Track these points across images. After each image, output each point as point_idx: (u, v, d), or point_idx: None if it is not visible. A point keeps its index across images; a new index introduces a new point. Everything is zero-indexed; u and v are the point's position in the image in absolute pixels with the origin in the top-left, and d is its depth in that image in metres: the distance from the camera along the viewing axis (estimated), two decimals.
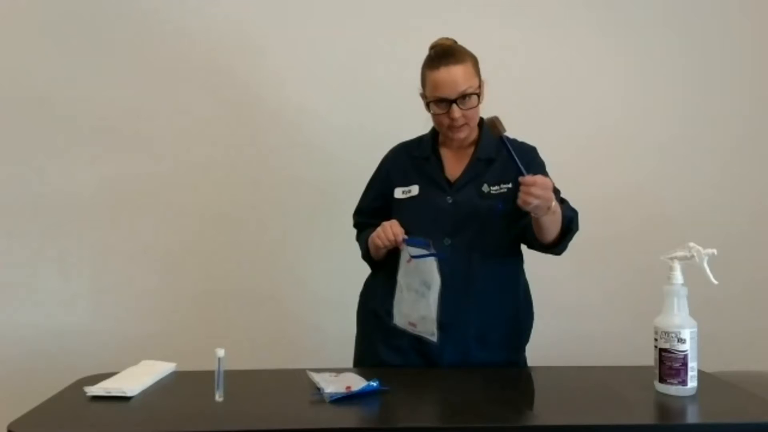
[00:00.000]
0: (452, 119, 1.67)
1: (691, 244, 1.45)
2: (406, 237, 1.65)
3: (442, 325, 1.63)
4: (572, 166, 2.39)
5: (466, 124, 1.69)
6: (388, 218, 1.72)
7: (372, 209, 1.86)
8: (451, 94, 1.65)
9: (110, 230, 2.42)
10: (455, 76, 1.64)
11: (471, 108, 1.68)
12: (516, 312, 1.75)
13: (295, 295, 2.45)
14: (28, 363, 2.38)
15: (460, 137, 1.72)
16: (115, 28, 2.40)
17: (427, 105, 1.72)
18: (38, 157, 2.40)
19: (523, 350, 1.80)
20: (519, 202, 1.52)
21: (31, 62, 2.39)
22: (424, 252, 1.61)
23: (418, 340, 1.66)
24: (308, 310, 2.45)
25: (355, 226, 1.93)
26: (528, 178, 1.51)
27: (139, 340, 2.35)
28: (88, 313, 2.41)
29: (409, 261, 1.66)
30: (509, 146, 1.56)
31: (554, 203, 1.55)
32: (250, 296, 2.44)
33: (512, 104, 2.37)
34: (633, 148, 2.47)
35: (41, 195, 2.40)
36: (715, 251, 1.44)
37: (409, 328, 1.68)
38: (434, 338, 1.63)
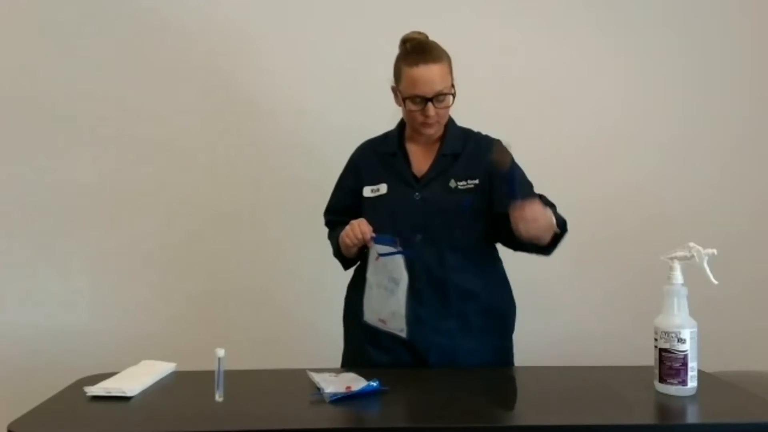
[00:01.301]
0: (426, 116, 1.70)
1: (691, 244, 1.45)
2: (373, 235, 1.68)
3: (422, 319, 1.67)
4: (572, 166, 2.40)
5: (438, 121, 1.73)
6: (358, 216, 1.75)
7: (343, 207, 1.88)
8: (428, 93, 1.68)
9: (110, 230, 2.42)
10: (433, 75, 1.67)
11: (445, 107, 1.71)
12: (495, 299, 1.77)
13: (295, 295, 2.45)
14: (28, 363, 2.37)
15: (429, 133, 1.75)
16: (115, 28, 2.40)
17: (400, 98, 1.74)
18: (38, 157, 2.40)
19: (510, 338, 1.81)
20: (521, 234, 1.53)
21: (31, 62, 2.39)
22: (392, 249, 1.65)
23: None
24: (308, 310, 2.45)
25: (327, 224, 1.95)
26: (518, 213, 1.51)
27: (139, 340, 2.35)
28: (88, 313, 2.41)
29: (377, 259, 1.69)
30: (515, 181, 1.59)
31: (549, 213, 1.57)
32: (250, 296, 2.44)
33: (512, 104, 2.39)
34: (633, 148, 2.46)
35: (41, 195, 2.40)
36: (715, 251, 1.44)
37: (379, 325, 1.70)
38: (403, 334, 1.66)
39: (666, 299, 1.43)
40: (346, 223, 1.75)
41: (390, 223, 1.73)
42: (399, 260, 1.64)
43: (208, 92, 2.43)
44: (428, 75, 1.67)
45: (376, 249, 1.69)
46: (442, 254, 1.71)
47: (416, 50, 1.71)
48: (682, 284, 1.43)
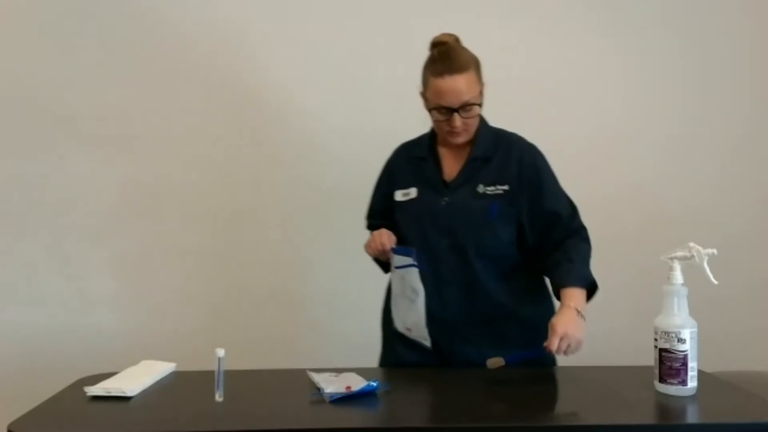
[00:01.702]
0: (452, 127, 1.67)
1: (691, 244, 1.45)
2: (393, 246, 1.69)
3: (449, 324, 1.67)
4: (572, 166, 2.38)
5: (466, 130, 1.70)
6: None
7: (381, 210, 1.87)
8: (454, 104, 1.64)
9: (110, 231, 2.42)
10: (459, 86, 1.63)
11: (472, 117, 1.68)
12: (526, 309, 1.71)
13: (295, 295, 2.45)
14: (28, 363, 2.37)
15: (458, 142, 1.72)
16: (115, 27, 2.40)
17: (428, 111, 1.72)
18: (38, 156, 2.40)
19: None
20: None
21: (31, 62, 2.39)
22: (408, 262, 1.65)
23: (432, 339, 1.69)
24: (309, 310, 2.45)
25: (368, 228, 1.92)
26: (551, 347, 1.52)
27: (139, 340, 2.35)
28: (88, 313, 2.41)
29: (393, 271, 1.71)
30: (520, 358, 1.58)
31: (581, 308, 1.60)
32: (250, 296, 2.44)
33: (512, 104, 2.38)
34: (633, 148, 2.46)
35: (41, 195, 2.40)
36: (715, 251, 1.44)
37: (407, 333, 1.72)
38: (427, 343, 1.67)
39: (666, 299, 1.43)
40: (386, 226, 1.77)
41: (417, 227, 1.72)
42: (415, 272, 1.64)
43: (208, 93, 2.42)
44: (453, 86, 1.63)
45: (394, 260, 1.69)
46: (468, 260, 1.68)
47: (442, 58, 1.66)
48: (682, 284, 1.43)
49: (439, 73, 1.64)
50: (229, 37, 2.41)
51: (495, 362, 1.52)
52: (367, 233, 1.87)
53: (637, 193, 2.45)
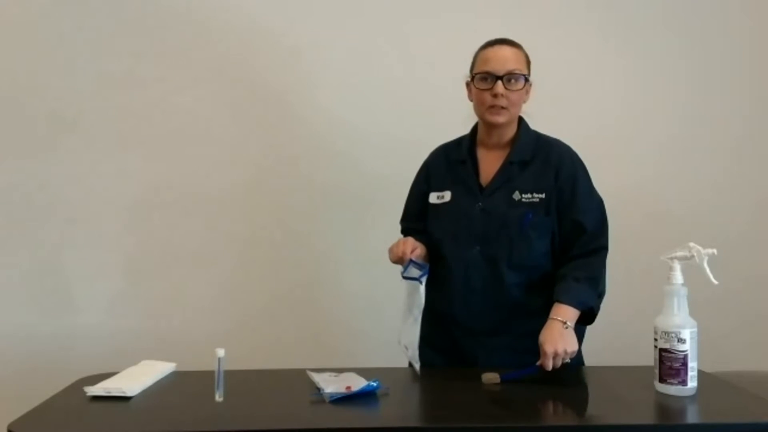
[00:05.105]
0: (494, 96, 1.64)
1: (691, 244, 1.45)
2: (411, 257, 1.63)
3: (475, 333, 1.66)
4: None
5: (506, 108, 1.66)
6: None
7: (415, 212, 1.84)
8: (499, 70, 1.64)
9: (109, 231, 2.41)
10: (506, 54, 1.66)
11: (516, 90, 1.65)
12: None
13: (295, 295, 2.45)
14: (28, 363, 2.37)
15: (498, 121, 1.68)
16: (116, 27, 2.39)
17: (472, 81, 1.69)
18: (38, 156, 2.40)
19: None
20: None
21: (31, 62, 2.39)
22: (417, 275, 1.61)
23: (454, 342, 1.68)
24: (309, 310, 2.45)
25: (402, 232, 1.88)
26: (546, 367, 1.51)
27: (140, 340, 2.35)
28: (88, 313, 2.41)
29: (401, 280, 1.66)
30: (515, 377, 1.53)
31: (567, 319, 1.56)
32: (251, 296, 2.44)
33: None
34: (633, 148, 2.46)
35: (42, 196, 2.39)
36: (715, 251, 1.44)
37: (404, 351, 1.67)
38: (418, 366, 1.62)
39: (666, 299, 1.43)
40: (419, 231, 1.75)
41: (450, 232, 1.70)
42: (421, 289, 1.60)
43: (209, 93, 2.42)
44: (501, 53, 1.65)
45: (406, 271, 1.64)
46: (499, 270, 1.65)
47: (495, 39, 1.70)
48: (682, 284, 1.43)
49: (490, 45, 1.69)
50: (229, 38, 2.41)
51: (490, 378, 1.51)
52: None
53: (637, 193, 2.45)
